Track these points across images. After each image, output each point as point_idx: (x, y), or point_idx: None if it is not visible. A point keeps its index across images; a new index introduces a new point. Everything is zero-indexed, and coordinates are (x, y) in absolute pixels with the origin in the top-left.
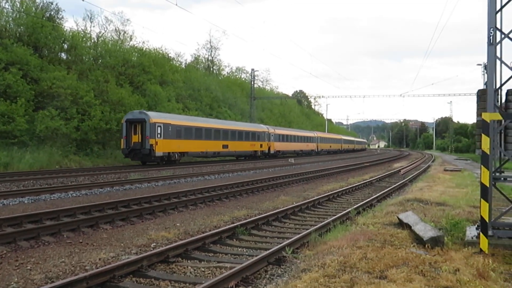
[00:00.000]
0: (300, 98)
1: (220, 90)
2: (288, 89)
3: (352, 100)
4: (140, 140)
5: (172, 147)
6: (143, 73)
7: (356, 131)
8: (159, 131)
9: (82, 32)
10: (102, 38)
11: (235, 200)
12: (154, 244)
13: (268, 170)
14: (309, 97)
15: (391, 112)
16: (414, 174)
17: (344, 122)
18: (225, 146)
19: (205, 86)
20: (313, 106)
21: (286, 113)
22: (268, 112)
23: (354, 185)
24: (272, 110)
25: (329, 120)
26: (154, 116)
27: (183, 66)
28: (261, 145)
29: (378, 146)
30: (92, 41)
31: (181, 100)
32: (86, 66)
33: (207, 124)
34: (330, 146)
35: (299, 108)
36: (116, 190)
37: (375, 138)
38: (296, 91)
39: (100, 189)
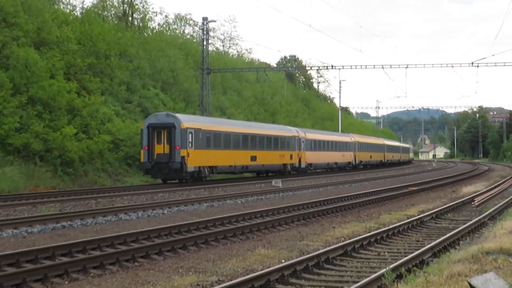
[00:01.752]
0: (292, 71)
1: (146, 57)
2: (270, 56)
3: (384, 73)
4: (168, 151)
5: (203, 159)
6: (3, 27)
7: (394, 129)
8: (190, 139)
9: None
10: None
11: (176, 257)
12: None
13: (233, 201)
14: (308, 68)
15: (455, 95)
16: (499, 205)
17: (373, 113)
18: (253, 158)
19: (118, 49)
20: (315, 85)
21: (266, 98)
22: (234, 95)
23: (392, 226)
24: (240, 93)
25: (345, 110)
26: (185, 120)
27: (78, 14)
28: (291, 156)
29: (435, 156)
30: None
31: (75, 75)
32: None
33: (234, 128)
34: (371, 157)
35: (289, 87)
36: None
37: (427, 141)
38: (284, 58)
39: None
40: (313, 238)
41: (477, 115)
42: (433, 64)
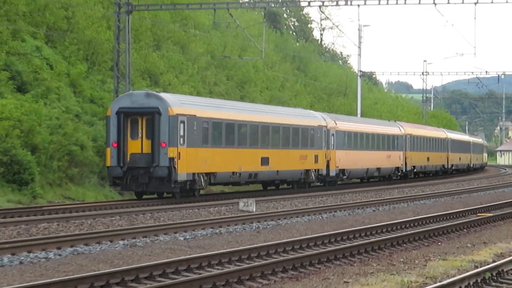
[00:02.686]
0: (277, 8)
1: None
2: None
3: (437, 11)
4: (148, 150)
5: (198, 163)
6: None
7: (454, 110)
8: (181, 132)
9: None
10: None
11: None
12: None
13: (171, 237)
14: (304, 2)
15: None
16: None
17: (417, 84)
18: (264, 161)
19: None
20: (317, 35)
21: (231, 57)
22: (175, 52)
23: (447, 281)
24: (186, 48)
25: (369, 78)
26: (175, 103)
27: None
28: (315, 158)
29: None
30: None
31: None
32: None
33: (238, 114)
34: (428, 159)
35: (272, 38)
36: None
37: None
38: None
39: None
40: None
41: None
42: None
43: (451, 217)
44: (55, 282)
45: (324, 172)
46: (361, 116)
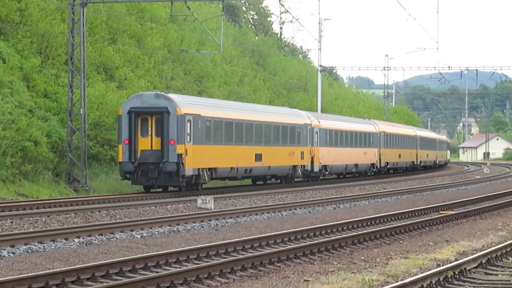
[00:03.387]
0: (235, 1)
1: None
2: None
3: (399, 4)
4: (158, 147)
5: (203, 159)
6: None
7: (415, 106)
8: (188, 130)
9: None
10: None
11: None
12: None
13: (128, 234)
14: None
15: None
16: None
17: (378, 80)
18: (258, 157)
19: None
20: (277, 28)
21: (188, 50)
22: (131, 46)
23: (409, 280)
24: (142, 41)
25: (330, 73)
26: (182, 103)
27: None
28: (302, 154)
29: (487, 155)
30: None
31: None
32: None
33: (236, 114)
34: (400, 156)
35: (231, 31)
36: None
37: (474, 130)
38: None
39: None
40: None
41: None
42: None
43: (413, 214)
44: (8, 280)
45: (309, 168)
46: (321, 112)
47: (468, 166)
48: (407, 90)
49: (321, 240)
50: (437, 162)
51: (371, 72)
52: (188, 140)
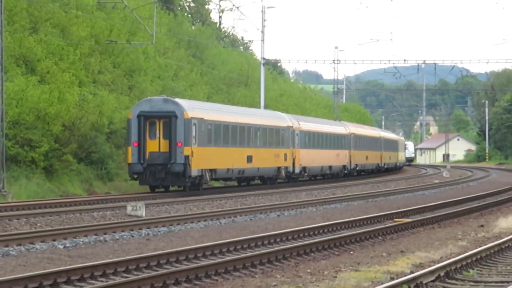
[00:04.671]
0: None
1: None
2: None
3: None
4: (166, 149)
5: (205, 160)
6: None
7: (368, 103)
8: (194, 134)
9: None
10: None
11: None
12: None
13: (50, 245)
14: None
15: (488, 39)
16: None
17: (327, 74)
18: (249, 159)
19: None
20: (215, 17)
21: (118, 41)
22: (54, 36)
23: None
24: (67, 31)
25: (274, 66)
26: (189, 107)
27: None
28: (285, 156)
29: (447, 157)
30: None
31: None
32: None
33: (231, 117)
34: (367, 158)
35: (165, 21)
36: None
37: (432, 129)
38: None
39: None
40: None
41: None
42: None
43: (365, 223)
44: None
45: (291, 170)
46: (265, 107)
47: (426, 169)
48: (359, 85)
49: (263, 251)
50: (398, 164)
51: (320, 66)
52: (194, 142)
